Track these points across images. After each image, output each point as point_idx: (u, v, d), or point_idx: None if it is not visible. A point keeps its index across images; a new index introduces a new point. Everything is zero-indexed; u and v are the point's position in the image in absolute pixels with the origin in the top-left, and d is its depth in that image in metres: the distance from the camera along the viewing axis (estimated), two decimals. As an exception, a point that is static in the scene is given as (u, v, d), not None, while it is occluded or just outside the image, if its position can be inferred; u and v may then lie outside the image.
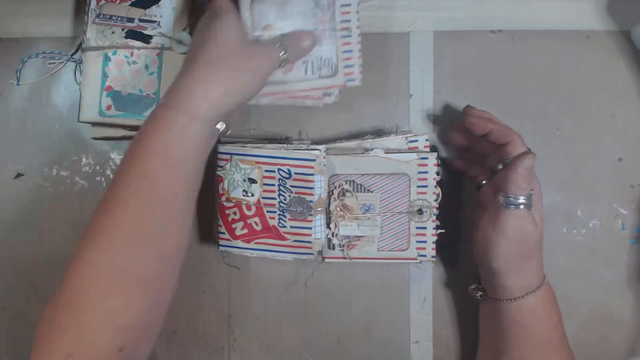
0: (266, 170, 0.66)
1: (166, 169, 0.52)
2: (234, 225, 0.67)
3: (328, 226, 0.69)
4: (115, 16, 0.67)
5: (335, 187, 0.68)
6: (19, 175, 0.75)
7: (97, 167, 0.75)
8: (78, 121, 0.68)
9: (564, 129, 0.74)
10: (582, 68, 0.74)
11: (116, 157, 0.75)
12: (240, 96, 0.56)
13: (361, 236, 0.69)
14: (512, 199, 0.60)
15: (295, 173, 0.65)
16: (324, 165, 0.66)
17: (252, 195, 0.66)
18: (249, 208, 0.67)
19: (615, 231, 0.74)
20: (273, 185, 0.66)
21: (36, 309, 0.74)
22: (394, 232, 0.69)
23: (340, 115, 0.74)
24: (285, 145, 0.66)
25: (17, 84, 0.74)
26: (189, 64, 0.55)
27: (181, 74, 0.55)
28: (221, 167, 0.67)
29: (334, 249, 0.69)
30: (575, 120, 0.74)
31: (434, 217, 0.68)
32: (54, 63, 0.74)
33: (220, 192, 0.67)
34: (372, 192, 0.68)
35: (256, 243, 0.68)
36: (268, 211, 0.67)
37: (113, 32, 0.67)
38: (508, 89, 0.74)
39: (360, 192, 0.68)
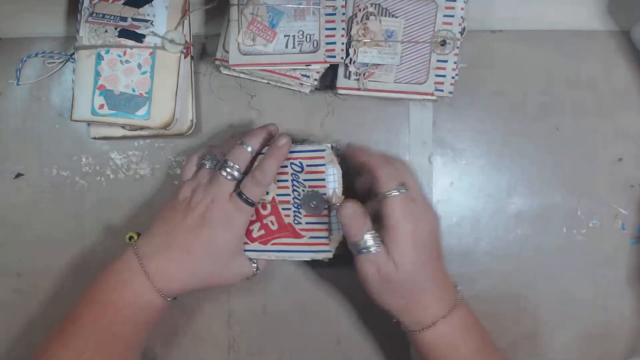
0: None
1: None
2: (251, 227, 0.56)
3: (347, 52, 0.58)
4: (108, 15, 0.56)
5: (360, 10, 0.58)
6: (19, 175, 0.65)
7: (97, 167, 0.65)
8: (71, 120, 0.57)
9: (564, 129, 0.65)
10: (582, 68, 0.65)
11: (116, 157, 0.64)
12: (198, 285, 0.55)
13: (379, 64, 0.58)
14: (354, 244, 0.51)
15: (307, 165, 0.54)
16: (337, 156, 0.54)
17: (267, 193, 0.56)
18: (264, 207, 0.56)
19: (615, 231, 0.65)
20: (286, 181, 0.56)
21: (36, 309, 0.64)
22: (413, 62, 0.59)
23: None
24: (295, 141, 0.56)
25: (17, 84, 0.64)
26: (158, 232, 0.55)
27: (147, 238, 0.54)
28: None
29: (349, 77, 0.59)
30: (575, 120, 0.65)
31: (457, 51, 0.58)
32: (54, 63, 0.64)
33: None
34: (396, 17, 0.58)
35: (273, 244, 0.56)
36: (283, 208, 0.56)
37: (106, 31, 0.57)
38: (508, 89, 0.65)
39: (385, 16, 0.58)
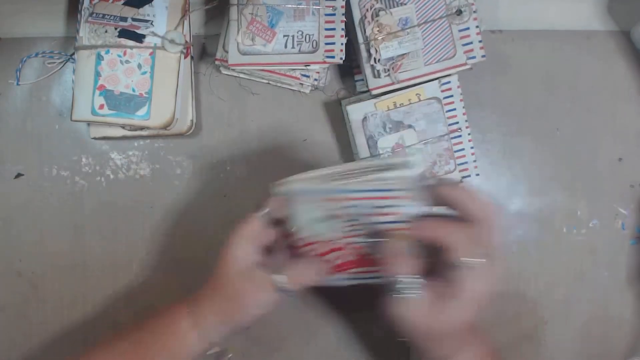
0: (340, 207, 0.48)
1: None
2: (307, 259, 0.51)
3: (368, 53, 0.57)
4: (108, 15, 0.56)
5: (367, 9, 0.57)
6: (19, 175, 0.64)
7: (97, 167, 0.64)
8: (71, 120, 0.57)
9: (564, 129, 0.65)
10: (582, 68, 0.66)
11: (116, 157, 0.64)
12: (231, 323, 0.51)
13: (405, 54, 0.58)
14: (389, 281, 0.46)
15: (374, 206, 0.46)
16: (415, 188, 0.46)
17: (333, 231, 0.50)
18: (329, 243, 0.51)
19: (615, 231, 0.65)
20: (349, 221, 0.49)
21: (36, 309, 0.64)
22: (437, 41, 0.58)
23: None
24: (359, 169, 0.47)
25: (17, 84, 0.64)
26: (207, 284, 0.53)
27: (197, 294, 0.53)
28: (289, 208, 0.50)
29: (379, 76, 0.58)
30: (575, 120, 0.65)
31: (475, 15, 0.57)
32: (54, 63, 0.64)
33: (291, 233, 0.51)
34: (405, 4, 0.57)
35: (351, 273, 0.51)
36: (354, 242, 0.50)
37: (106, 31, 0.57)
38: (508, 89, 0.65)
39: (394, 6, 0.57)
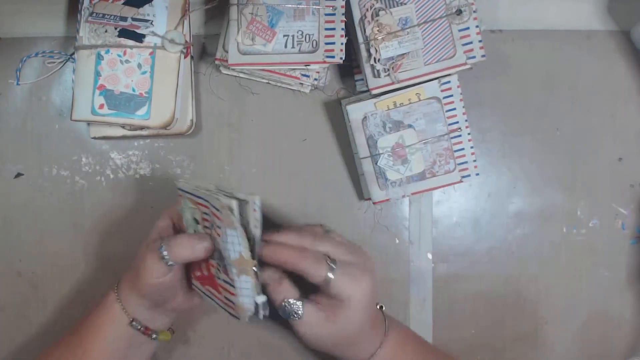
0: (204, 213, 0.49)
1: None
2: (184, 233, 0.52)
3: (368, 52, 0.57)
4: (108, 15, 0.56)
5: (367, 9, 0.57)
6: (19, 175, 0.64)
7: (97, 167, 0.64)
8: (71, 120, 0.57)
9: (564, 129, 0.65)
10: (582, 68, 0.66)
11: (116, 156, 0.64)
12: (142, 295, 0.52)
13: (404, 53, 0.57)
14: (278, 309, 0.48)
15: (216, 224, 0.47)
16: (255, 226, 0.47)
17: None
18: None
19: (615, 231, 0.65)
20: (209, 228, 0.49)
21: (36, 309, 0.64)
22: (437, 41, 0.57)
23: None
24: (217, 186, 0.50)
25: (17, 84, 0.64)
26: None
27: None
28: (178, 203, 0.53)
29: (379, 76, 0.58)
30: (575, 120, 0.65)
31: (475, 15, 0.57)
32: (54, 63, 0.64)
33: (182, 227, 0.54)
34: (405, 3, 0.57)
35: (206, 288, 0.53)
36: (210, 257, 0.50)
37: (106, 31, 0.56)
38: (508, 89, 0.65)
39: (394, 6, 0.57)
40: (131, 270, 0.53)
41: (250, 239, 0.46)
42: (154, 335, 0.55)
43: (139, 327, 0.53)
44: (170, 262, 0.50)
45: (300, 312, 0.48)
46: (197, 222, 0.51)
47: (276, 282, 0.48)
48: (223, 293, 0.49)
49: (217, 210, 0.46)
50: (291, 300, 0.48)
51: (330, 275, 0.47)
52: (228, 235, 0.45)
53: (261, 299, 0.47)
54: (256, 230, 0.47)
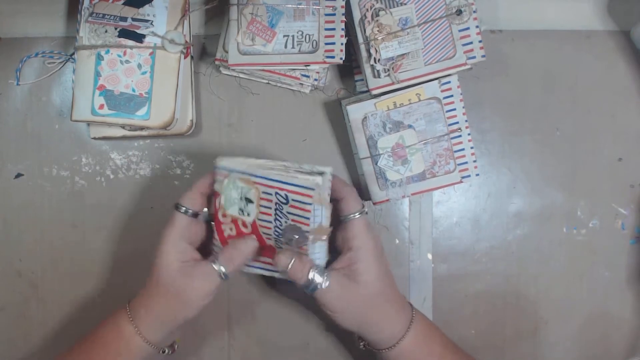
0: (263, 192, 0.51)
1: None
2: (230, 241, 0.54)
3: (368, 53, 0.58)
4: (108, 15, 0.56)
5: (367, 9, 0.57)
6: (19, 175, 0.64)
7: (97, 167, 0.64)
8: (71, 120, 0.57)
9: (564, 129, 0.65)
10: (582, 68, 0.66)
11: (116, 157, 0.64)
12: (177, 320, 0.52)
13: (405, 54, 0.58)
14: (303, 287, 0.52)
15: (293, 200, 0.50)
16: (328, 194, 0.51)
17: (249, 215, 0.53)
18: (245, 225, 0.54)
19: (615, 231, 0.65)
20: (270, 208, 0.52)
21: (36, 309, 0.64)
22: (437, 41, 0.58)
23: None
24: (285, 165, 0.52)
25: (17, 84, 0.64)
26: (145, 285, 0.54)
27: (138, 296, 0.54)
28: (219, 181, 0.53)
29: (379, 76, 0.58)
30: (575, 120, 0.65)
31: (475, 15, 0.57)
32: (54, 63, 0.64)
33: (217, 207, 0.54)
34: (405, 4, 0.57)
35: (254, 260, 0.55)
36: (264, 233, 0.54)
37: (106, 31, 0.56)
38: (508, 89, 0.65)
39: (394, 7, 0.57)
40: (166, 299, 0.52)
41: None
42: (165, 350, 0.56)
43: (153, 347, 0.53)
44: (225, 274, 0.52)
45: (325, 278, 0.51)
46: (248, 201, 0.52)
47: (298, 258, 0.51)
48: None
49: (305, 188, 0.49)
50: (317, 270, 0.51)
51: (357, 215, 0.52)
52: (315, 215, 0.51)
53: (325, 258, 0.54)
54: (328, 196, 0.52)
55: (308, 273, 0.51)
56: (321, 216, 0.51)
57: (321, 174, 0.50)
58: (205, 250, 0.56)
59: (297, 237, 0.52)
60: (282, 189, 0.50)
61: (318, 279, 0.51)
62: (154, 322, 0.52)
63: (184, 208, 0.53)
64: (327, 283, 0.51)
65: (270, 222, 0.52)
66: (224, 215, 0.54)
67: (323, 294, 0.51)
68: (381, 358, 0.55)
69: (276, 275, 0.55)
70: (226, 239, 0.54)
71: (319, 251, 0.53)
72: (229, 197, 0.53)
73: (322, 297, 0.51)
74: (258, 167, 0.51)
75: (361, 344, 0.57)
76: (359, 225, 0.52)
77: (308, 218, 0.51)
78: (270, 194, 0.51)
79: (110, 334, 0.53)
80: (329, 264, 0.54)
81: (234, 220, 0.54)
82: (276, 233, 0.53)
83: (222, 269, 0.51)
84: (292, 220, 0.51)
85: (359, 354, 0.64)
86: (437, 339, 0.55)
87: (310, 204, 0.50)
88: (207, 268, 0.51)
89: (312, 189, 0.49)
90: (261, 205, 0.52)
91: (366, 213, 0.54)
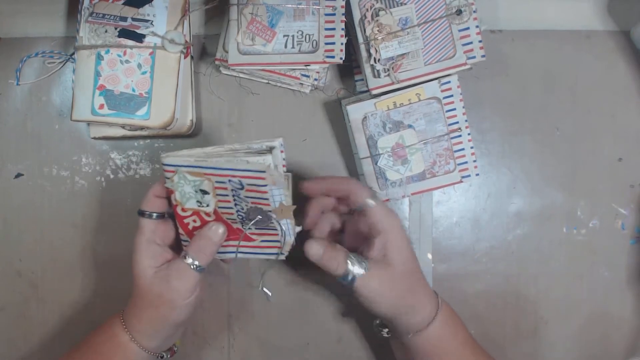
0: (217, 182, 0.50)
1: None
2: (196, 233, 0.53)
3: (368, 52, 0.58)
4: (108, 15, 0.56)
5: (367, 9, 0.57)
6: (19, 175, 0.64)
7: (97, 167, 0.64)
8: (71, 120, 0.57)
9: (564, 129, 0.65)
10: (582, 68, 0.65)
11: (116, 157, 0.64)
12: (168, 324, 0.52)
13: (404, 53, 0.58)
14: (342, 278, 0.51)
15: (248, 184, 0.49)
16: (285, 171, 0.51)
17: (208, 205, 0.52)
18: (208, 215, 0.53)
19: (615, 231, 0.65)
20: (227, 195, 0.51)
21: (36, 309, 0.64)
22: (437, 41, 0.58)
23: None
24: (233, 148, 0.50)
25: (17, 84, 0.64)
26: (132, 295, 0.53)
27: (128, 306, 0.54)
28: (168, 178, 0.51)
29: (379, 76, 0.58)
30: (575, 120, 0.65)
31: (475, 15, 0.57)
32: (54, 63, 0.64)
33: (174, 202, 0.52)
34: (405, 4, 0.57)
35: (224, 245, 0.54)
36: (228, 219, 0.53)
37: (106, 31, 0.56)
38: (508, 89, 0.65)
39: (394, 6, 0.57)
40: (150, 307, 0.51)
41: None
42: (163, 355, 0.56)
43: (151, 353, 0.53)
44: (199, 267, 0.51)
45: (363, 265, 0.50)
46: (204, 192, 0.51)
47: (330, 247, 0.51)
48: (259, 238, 0.54)
49: (256, 172, 0.48)
50: (352, 256, 0.51)
51: (372, 201, 0.51)
52: (273, 195, 0.50)
53: (299, 229, 0.53)
54: (282, 170, 0.51)
55: (345, 262, 0.50)
56: (280, 194, 0.50)
57: (271, 150, 0.49)
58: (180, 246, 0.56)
59: (261, 217, 0.51)
60: (234, 176, 0.49)
61: (356, 268, 0.50)
62: (147, 330, 0.52)
63: (147, 212, 0.52)
64: (364, 271, 0.50)
65: (231, 207, 0.52)
66: (184, 210, 0.53)
67: (365, 282, 0.50)
68: (404, 345, 0.54)
69: (262, 257, 0.55)
70: (192, 231, 0.54)
71: (287, 227, 0.52)
72: (183, 192, 0.52)
73: (363, 287, 0.50)
74: (206, 157, 0.50)
75: (384, 330, 0.57)
76: (379, 209, 0.51)
77: (267, 199, 0.50)
78: (224, 182, 0.50)
79: (108, 342, 0.53)
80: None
81: (196, 212, 0.53)
82: (240, 217, 0.52)
83: (195, 261, 0.51)
84: (252, 202, 0.51)
85: (359, 353, 0.64)
86: (460, 325, 0.55)
87: (264, 185, 0.49)
88: (181, 265, 0.51)
89: (263, 172, 0.48)
90: (218, 194, 0.51)
91: (377, 193, 0.54)
